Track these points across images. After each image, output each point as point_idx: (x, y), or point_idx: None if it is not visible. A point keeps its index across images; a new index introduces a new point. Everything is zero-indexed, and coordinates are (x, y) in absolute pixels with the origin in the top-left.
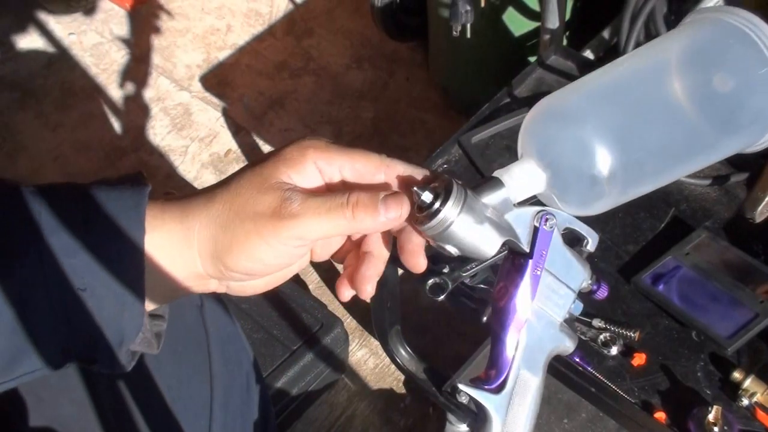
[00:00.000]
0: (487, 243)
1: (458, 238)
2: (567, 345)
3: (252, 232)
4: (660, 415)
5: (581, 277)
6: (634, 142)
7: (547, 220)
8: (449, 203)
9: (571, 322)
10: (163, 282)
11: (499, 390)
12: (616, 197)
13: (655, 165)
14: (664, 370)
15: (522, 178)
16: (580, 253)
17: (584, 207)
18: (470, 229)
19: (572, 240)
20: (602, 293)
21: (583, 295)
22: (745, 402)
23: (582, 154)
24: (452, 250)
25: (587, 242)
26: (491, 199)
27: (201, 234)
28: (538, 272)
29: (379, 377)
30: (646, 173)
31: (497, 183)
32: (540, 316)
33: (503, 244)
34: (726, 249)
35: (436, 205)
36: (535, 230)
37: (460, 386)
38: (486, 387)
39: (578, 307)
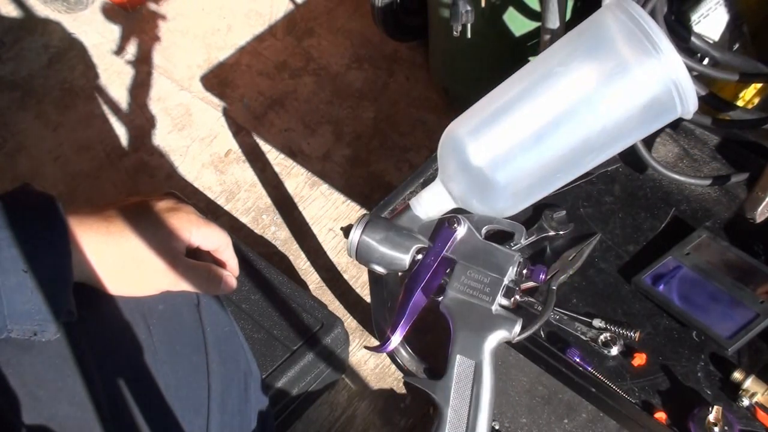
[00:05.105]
0: (396, 253)
1: (370, 254)
2: (507, 329)
3: None
4: (660, 416)
5: (507, 264)
6: (519, 156)
7: (449, 223)
8: (352, 230)
9: (516, 309)
10: None
11: (434, 374)
12: (515, 203)
13: (543, 173)
14: (665, 370)
15: (431, 200)
16: (510, 246)
17: (494, 213)
18: (376, 246)
19: (507, 235)
20: (538, 277)
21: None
22: (746, 402)
23: (466, 180)
24: (377, 268)
25: (515, 235)
26: (403, 221)
27: None
28: (448, 255)
29: (380, 377)
30: (537, 181)
31: (408, 208)
32: (467, 304)
33: (418, 251)
34: (726, 249)
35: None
36: (439, 231)
37: (405, 378)
38: (380, 348)
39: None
